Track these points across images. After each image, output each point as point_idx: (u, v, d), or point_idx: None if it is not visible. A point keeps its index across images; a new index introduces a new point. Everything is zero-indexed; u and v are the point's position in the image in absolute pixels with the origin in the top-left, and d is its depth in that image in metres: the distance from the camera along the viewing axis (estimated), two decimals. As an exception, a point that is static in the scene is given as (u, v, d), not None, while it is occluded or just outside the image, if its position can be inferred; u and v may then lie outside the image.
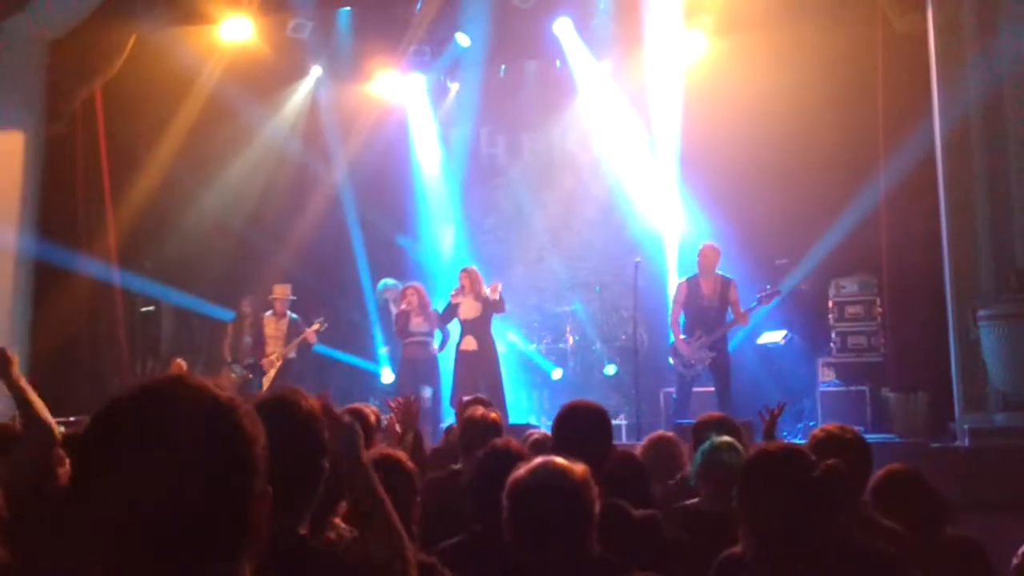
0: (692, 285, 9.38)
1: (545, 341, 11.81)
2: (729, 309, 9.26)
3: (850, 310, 9.75)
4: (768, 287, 9.32)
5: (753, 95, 10.96)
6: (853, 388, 9.32)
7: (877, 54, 9.68)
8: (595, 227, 12.54)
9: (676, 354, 9.31)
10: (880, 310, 9.62)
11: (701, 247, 9.55)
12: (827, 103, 10.34)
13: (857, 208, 9.66)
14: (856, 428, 3.86)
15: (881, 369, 9.39)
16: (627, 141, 12.12)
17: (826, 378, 9.62)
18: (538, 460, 2.60)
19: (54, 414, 3.62)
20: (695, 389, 9.34)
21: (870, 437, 8.28)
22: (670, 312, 9.67)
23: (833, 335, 9.78)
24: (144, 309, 11.37)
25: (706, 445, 3.94)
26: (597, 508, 2.52)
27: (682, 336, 9.33)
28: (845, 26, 10.12)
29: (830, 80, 10.26)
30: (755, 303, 9.25)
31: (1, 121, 10.35)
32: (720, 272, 9.37)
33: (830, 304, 9.83)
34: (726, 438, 4.00)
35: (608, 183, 12.34)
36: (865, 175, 9.54)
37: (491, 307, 9.75)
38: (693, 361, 9.15)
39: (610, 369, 11.46)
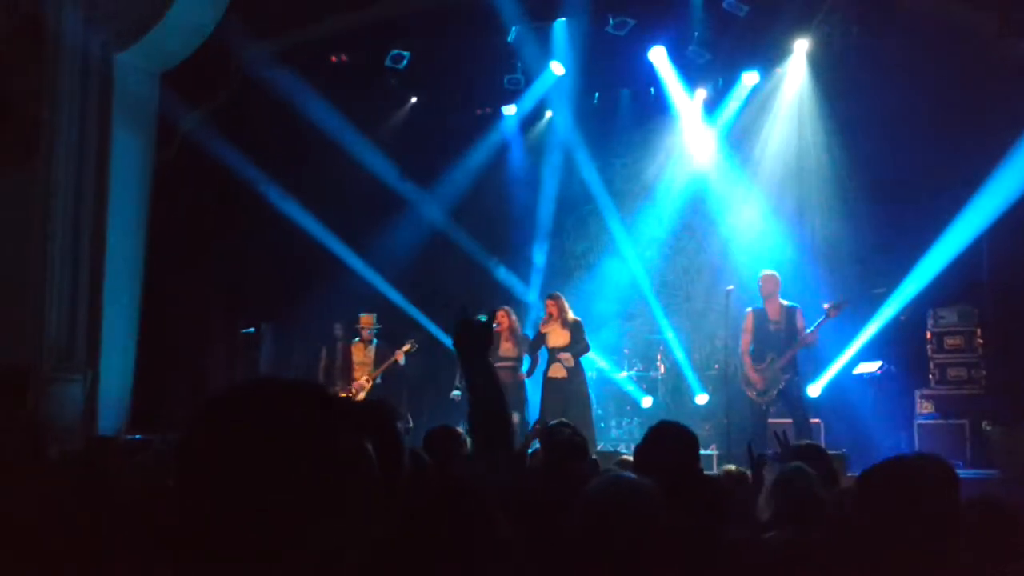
0: (758, 313, 9.31)
1: (636, 369, 11.75)
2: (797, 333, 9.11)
3: (949, 341, 9.47)
4: (841, 298, 9.02)
5: (851, 119, 10.83)
6: (952, 421, 9.05)
7: (982, 78, 9.47)
8: (688, 254, 12.48)
9: (747, 383, 9.19)
10: (980, 341, 9.34)
11: (760, 275, 9.46)
12: (928, 128, 10.14)
13: (957, 236, 9.42)
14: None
15: (982, 402, 9.10)
16: (720, 167, 12.08)
17: (924, 410, 9.33)
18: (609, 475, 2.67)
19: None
20: (772, 420, 9.13)
21: (970, 472, 8.17)
22: (740, 342, 9.53)
23: (931, 366, 9.51)
24: (245, 331, 11.70)
25: (779, 472, 3.90)
26: (662, 523, 2.54)
27: (753, 364, 9.18)
28: (948, 49, 9.92)
29: (931, 104, 10.07)
30: (823, 317, 8.99)
31: (117, 149, 10.82)
32: (784, 300, 9.23)
33: (928, 335, 9.58)
34: (797, 463, 3.93)
35: (701, 210, 12.29)
36: (965, 202, 9.30)
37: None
38: (766, 387, 9.02)
39: (701, 398, 11.29)
